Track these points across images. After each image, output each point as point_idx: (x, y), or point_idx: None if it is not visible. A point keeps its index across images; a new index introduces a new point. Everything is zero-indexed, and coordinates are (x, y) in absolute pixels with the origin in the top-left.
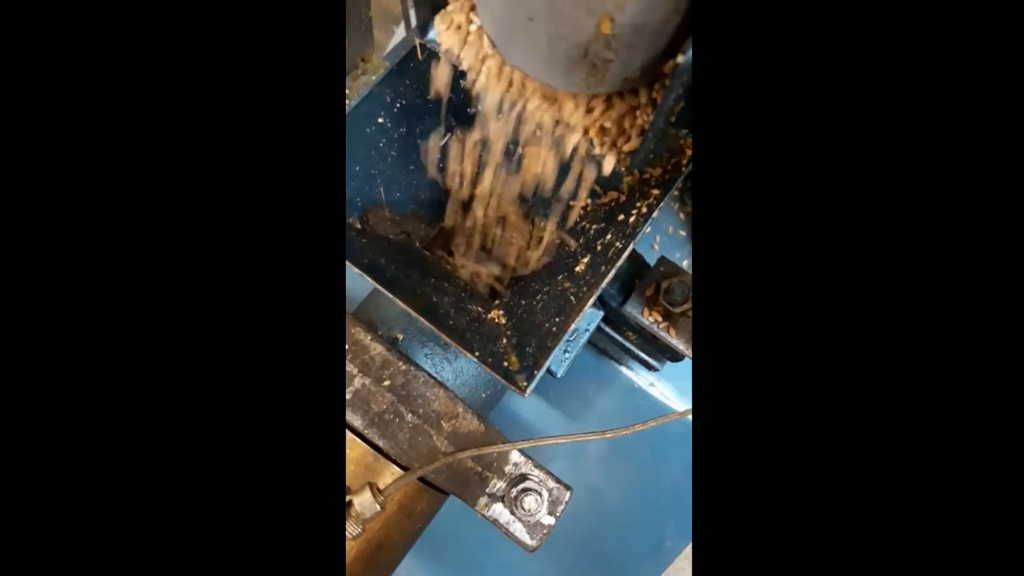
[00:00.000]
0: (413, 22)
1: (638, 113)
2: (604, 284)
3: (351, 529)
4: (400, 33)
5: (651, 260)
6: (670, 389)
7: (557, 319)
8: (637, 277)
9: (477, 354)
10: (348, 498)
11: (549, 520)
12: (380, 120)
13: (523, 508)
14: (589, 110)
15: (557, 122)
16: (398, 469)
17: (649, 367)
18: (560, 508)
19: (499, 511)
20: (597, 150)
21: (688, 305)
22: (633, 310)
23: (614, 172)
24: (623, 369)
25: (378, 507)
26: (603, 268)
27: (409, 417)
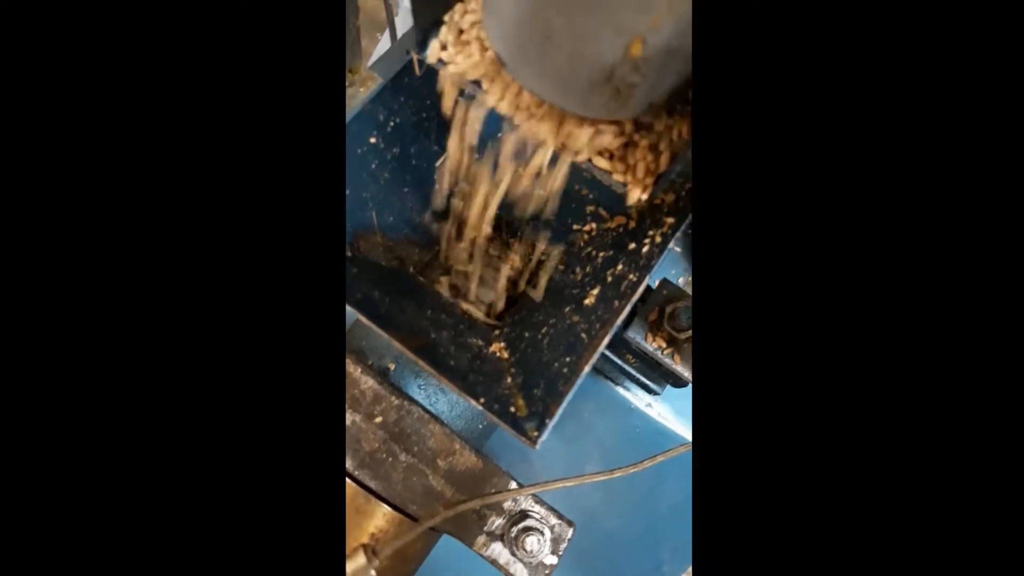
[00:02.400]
0: (412, 35)
1: (661, 142)
2: (619, 321)
3: None
4: (385, 41)
5: (651, 281)
6: (668, 410)
7: (567, 359)
8: (640, 301)
9: (482, 400)
10: None
11: (552, 560)
12: (372, 140)
13: (524, 550)
14: (598, 133)
15: (563, 146)
16: (390, 510)
17: (649, 391)
18: (563, 546)
19: (498, 551)
20: (618, 178)
21: None
22: (636, 335)
23: (621, 195)
24: (619, 389)
25: (373, 573)
26: (616, 303)
27: (403, 456)
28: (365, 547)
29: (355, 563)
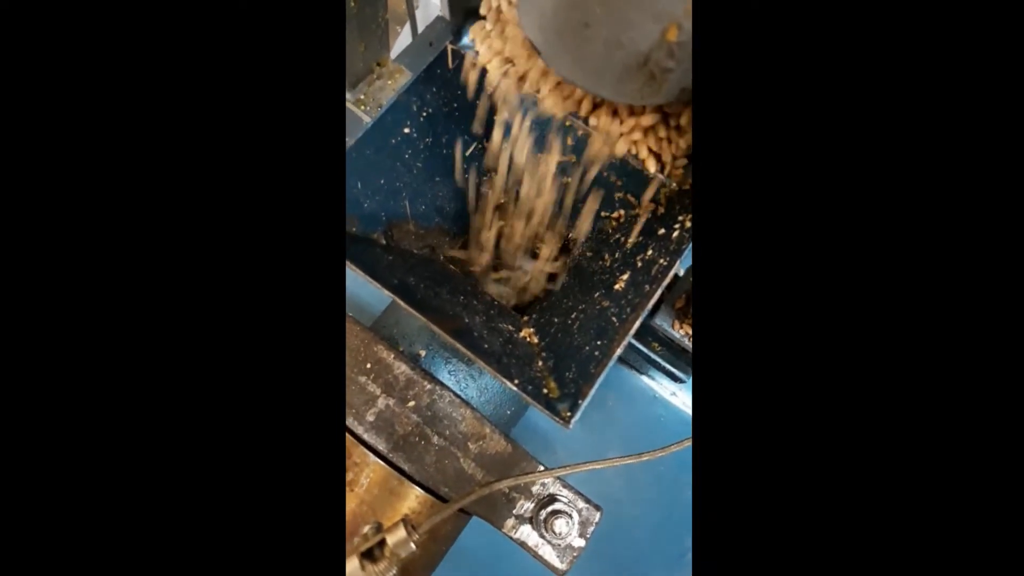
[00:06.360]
0: (436, 27)
1: (690, 128)
2: (650, 305)
3: (386, 572)
4: (406, 34)
5: (678, 270)
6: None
7: (599, 342)
8: (666, 289)
9: (516, 382)
10: (381, 536)
11: (580, 543)
12: (406, 130)
13: (553, 532)
14: (634, 120)
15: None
16: (422, 492)
17: (675, 378)
18: (590, 529)
19: (527, 533)
20: (650, 164)
21: None
22: (663, 323)
23: (648, 181)
24: (644, 378)
25: (412, 546)
26: (647, 287)
27: (435, 440)
28: (405, 521)
29: (396, 536)
